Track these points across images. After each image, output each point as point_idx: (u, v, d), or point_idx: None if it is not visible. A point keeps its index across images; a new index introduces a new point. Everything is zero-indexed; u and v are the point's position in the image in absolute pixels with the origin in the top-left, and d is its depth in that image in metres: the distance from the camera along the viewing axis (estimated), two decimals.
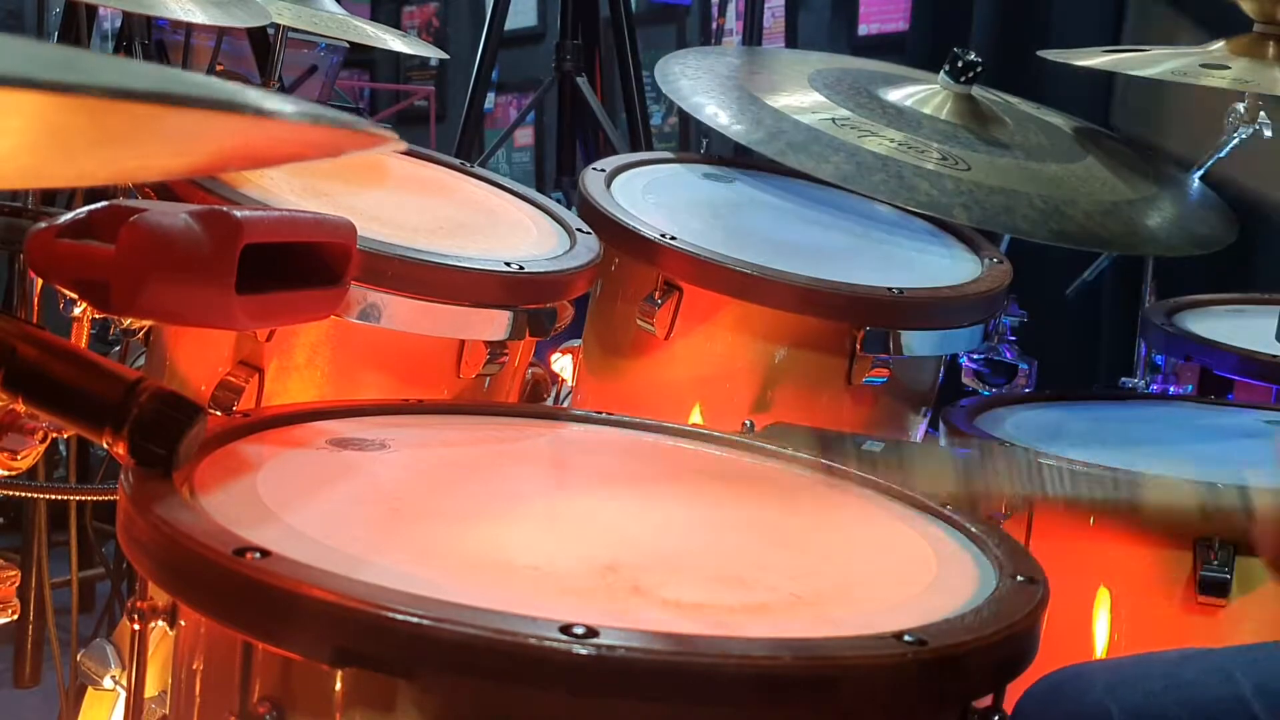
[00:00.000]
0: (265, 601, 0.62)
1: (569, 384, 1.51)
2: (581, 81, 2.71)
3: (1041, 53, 1.80)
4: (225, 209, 0.78)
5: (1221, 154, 1.74)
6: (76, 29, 2.42)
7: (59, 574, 2.23)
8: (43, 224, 0.79)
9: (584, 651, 0.57)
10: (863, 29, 3.86)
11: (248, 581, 0.62)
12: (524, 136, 5.13)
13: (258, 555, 0.63)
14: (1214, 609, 1.09)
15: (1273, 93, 1.60)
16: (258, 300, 0.80)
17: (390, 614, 0.59)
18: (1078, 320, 2.65)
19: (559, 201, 1.41)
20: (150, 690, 0.90)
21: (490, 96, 5.05)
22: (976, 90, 1.63)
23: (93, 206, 0.79)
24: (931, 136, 1.52)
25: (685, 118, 4.24)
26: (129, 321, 0.97)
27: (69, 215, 0.79)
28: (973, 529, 0.84)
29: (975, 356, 1.56)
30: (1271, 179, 1.95)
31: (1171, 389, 1.62)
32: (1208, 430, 1.39)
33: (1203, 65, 1.59)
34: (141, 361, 1.27)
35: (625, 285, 1.39)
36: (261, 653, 0.66)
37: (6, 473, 0.81)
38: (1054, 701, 0.86)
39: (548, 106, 3.23)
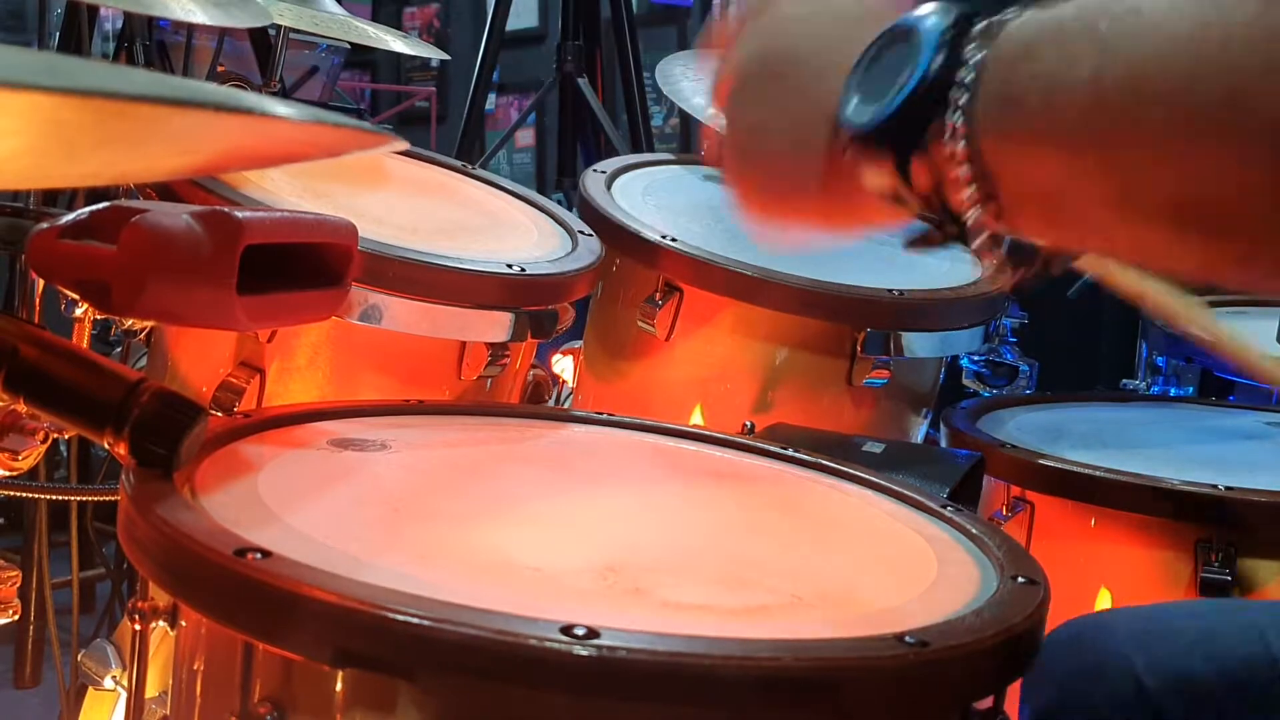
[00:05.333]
0: (266, 602, 0.62)
1: (570, 385, 1.52)
2: (583, 83, 2.71)
3: None
4: (227, 210, 0.78)
5: None
6: (78, 29, 2.43)
7: (60, 574, 2.24)
8: (44, 224, 0.79)
9: (585, 653, 0.57)
10: None
11: (249, 582, 0.62)
12: (525, 138, 5.14)
13: (259, 556, 0.63)
14: None
15: None
16: (259, 301, 0.80)
17: (391, 615, 0.59)
18: (1079, 321, 2.65)
19: (560, 203, 1.41)
20: (151, 691, 0.90)
21: (491, 97, 5.05)
22: None
23: (94, 207, 0.79)
24: None
25: (686, 119, 4.24)
26: (130, 322, 0.97)
27: (70, 216, 0.79)
28: (974, 530, 0.84)
29: (976, 358, 1.56)
30: None
31: (1173, 390, 1.62)
32: (1209, 432, 1.39)
33: None
34: (143, 362, 1.27)
35: (626, 287, 1.39)
36: (262, 653, 0.66)
37: (7, 473, 0.81)
38: (1074, 650, 0.83)
39: (549, 108, 3.23)
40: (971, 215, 0.62)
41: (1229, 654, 0.78)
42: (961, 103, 0.58)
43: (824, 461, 0.98)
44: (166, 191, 1.07)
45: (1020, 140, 0.58)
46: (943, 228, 0.65)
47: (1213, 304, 1.77)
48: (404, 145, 0.60)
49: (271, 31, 2.21)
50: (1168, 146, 0.52)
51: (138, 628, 0.78)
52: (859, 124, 0.63)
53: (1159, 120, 0.52)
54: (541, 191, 1.46)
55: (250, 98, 0.47)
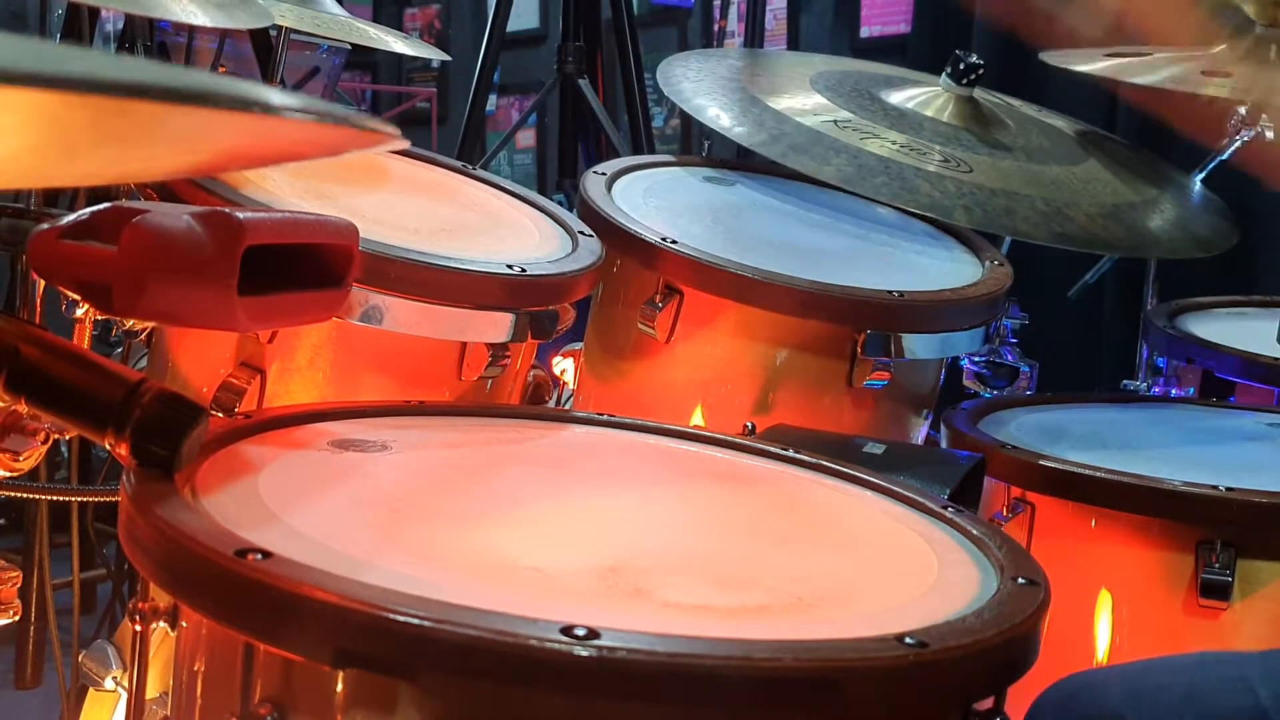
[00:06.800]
0: (266, 603, 0.62)
1: (570, 387, 1.52)
2: (583, 83, 2.71)
3: (1043, 56, 1.80)
4: (227, 210, 0.78)
5: (1224, 156, 1.74)
6: (79, 30, 2.43)
7: (60, 575, 2.23)
8: (45, 225, 0.79)
9: (585, 653, 0.57)
10: (864, 31, 3.87)
11: (249, 583, 0.62)
12: (526, 138, 5.14)
13: (259, 556, 0.63)
14: (1215, 612, 1.09)
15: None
16: (260, 302, 0.80)
17: (391, 615, 0.59)
18: (1079, 323, 2.65)
19: (560, 204, 1.41)
20: (151, 691, 0.90)
21: (492, 98, 5.05)
22: (978, 92, 1.63)
23: (95, 208, 0.79)
24: (933, 139, 1.52)
25: (687, 120, 4.24)
26: (131, 323, 0.97)
27: (71, 216, 0.79)
28: (974, 531, 0.84)
29: (976, 359, 1.56)
30: None
31: (1173, 391, 1.62)
32: (1209, 433, 1.39)
33: (1204, 71, 1.59)
34: (144, 363, 1.27)
35: (626, 288, 1.39)
36: (263, 654, 0.66)
37: (8, 474, 0.81)
38: (1068, 710, 0.84)
39: (549, 109, 3.23)
40: None
41: (1219, 707, 0.79)
42: None
43: (824, 462, 0.98)
44: (167, 192, 1.07)
45: None
46: None
47: (1213, 304, 1.77)
48: (405, 143, 0.60)
49: (272, 32, 2.21)
50: None
51: (138, 628, 0.78)
52: None
53: None
54: (542, 192, 1.45)
55: (249, 88, 0.47)
